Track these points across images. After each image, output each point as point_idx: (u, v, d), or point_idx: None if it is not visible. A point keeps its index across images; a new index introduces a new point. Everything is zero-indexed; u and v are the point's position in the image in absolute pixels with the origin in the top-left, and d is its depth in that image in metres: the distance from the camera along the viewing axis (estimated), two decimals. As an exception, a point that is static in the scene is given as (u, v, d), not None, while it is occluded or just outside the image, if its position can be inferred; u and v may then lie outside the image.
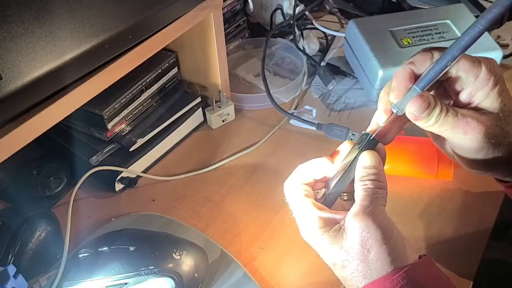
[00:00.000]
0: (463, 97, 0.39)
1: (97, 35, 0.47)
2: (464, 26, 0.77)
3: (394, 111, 0.38)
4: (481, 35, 0.33)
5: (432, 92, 0.41)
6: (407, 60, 0.38)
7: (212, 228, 0.60)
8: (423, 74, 0.37)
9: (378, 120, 0.40)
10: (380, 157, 0.40)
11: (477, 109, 0.38)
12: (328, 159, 0.41)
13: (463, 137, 0.38)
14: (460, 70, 0.37)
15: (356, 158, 0.39)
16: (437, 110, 0.37)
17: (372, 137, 0.39)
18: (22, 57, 0.41)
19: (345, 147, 0.42)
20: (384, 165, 0.40)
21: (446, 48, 0.36)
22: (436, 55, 0.37)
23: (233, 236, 0.59)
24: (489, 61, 0.37)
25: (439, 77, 0.36)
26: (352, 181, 0.40)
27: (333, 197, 0.40)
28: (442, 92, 0.40)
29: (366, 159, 0.39)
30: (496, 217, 0.58)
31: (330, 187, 0.40)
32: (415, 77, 0.37)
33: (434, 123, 0.37)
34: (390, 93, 0.38)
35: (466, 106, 0.39)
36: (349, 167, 0.39)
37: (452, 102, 0.41)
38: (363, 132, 0.40)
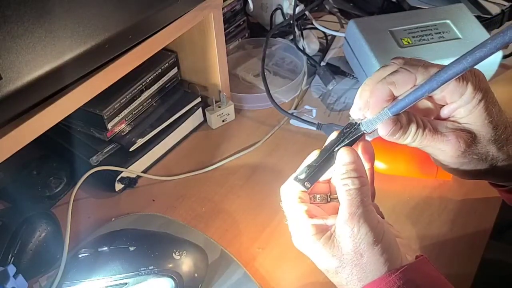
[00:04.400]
0: (444, 112, 0.38)
1: (97, 35, 0.47)
2: (464, 26, 0.77)
3: (362, 128, 0.37)
4: (465, 71, 0.32)
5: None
6: (389, 77, 0.36)
7: (212, 228, 0.60)
8: (399, 97, 0.35)
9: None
10: (367, 152, 0.39)
11: (458, 123, 0.37)
12: (318, 152, 0.40)
13: (444, 153, 0.37)
14: (444, 91, 0.36)
15: (339, 143, 0.38)
16: (413, 129, 0.36)
17: (358, 128, 0.38)
18: (22, 57, 0.41)
19: (333, 137, 0.41)
20: (374, 160, 0.40)
21: (433, 66, 0.35)
22: (420, 78, 0.35)
23: (233, 236, 0.59)
24: (475, 76, 0.35)
25: (413, 104, 0.35)
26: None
27: (313, 179, 0.39)
28: (427, 98, 0.38)
29: (344, 156, 0.37)
30: (496, 217, 0.58)
31: (312, 166, 0.39)
32: (394, 98, 0.36)
33: (412, 142, 0.37)
34: (365, 107, 0.37)
35: (447, 118, 0.38)
36: (332, 152, 0.39)
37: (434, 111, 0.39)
38: (350, 120, 0.39)
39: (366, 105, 0.37)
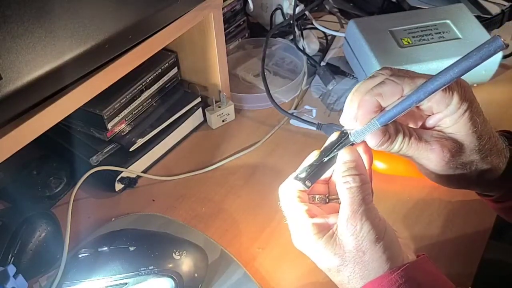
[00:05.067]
0: (430, 122, 0.38)
1: (97, 35, 0.47)
2: (464, 26, 0.77)
3: (351, 139, 0.38)
4: (452, 82, 0.32)
5: None
6: (376, 88, 0.36)
7: (212, 228, 0.60)
8: (387, 108, 0.36)
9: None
10: (367, 152, 0.39)
11: (443, 132, 0.38)
12: (318, 152, 0.41)
13: (429, 162, 0.38)
14: (431, 101, 0.36)
15: (329, 153, 0.39)
16: (400, 138, 0.36)
17: (347, 138, 0.39)
18: (22, 57, 0.41)
19: (333, 138, 0.41)
20: (372, 161, 0.40)
21: (420, 77, 0.35)
22: (406, 89, 0.35)
23: (233, 236, 0.59)
24: (462, 87, 0.36)
25: (401, 115, 0.35)
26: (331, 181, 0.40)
27: (313, 178, 0.40)
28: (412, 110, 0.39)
29: (345, 154, 0.38)
30: (496, 217, 0.58)
31: (313, 165, 0.40)
32: (381, 110, 0.36)
33: (398, 151, 0.37)
34: (353, 119, 0.37)
35: (432, 128, 0.38)
36: (330, 154, 0.39)
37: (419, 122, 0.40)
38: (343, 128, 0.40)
39: (355, 117, 0.37)
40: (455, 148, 0.37)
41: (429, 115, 0.38)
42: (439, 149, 0.37)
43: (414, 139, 0.37)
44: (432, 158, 0.37)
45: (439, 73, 0.33)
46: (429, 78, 0.34)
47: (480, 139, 0.37)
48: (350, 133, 0.38)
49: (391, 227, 0.38)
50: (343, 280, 0.38)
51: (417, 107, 0.37)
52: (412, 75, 0.36)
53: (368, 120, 0.36)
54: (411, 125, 0.39)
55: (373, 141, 0.36)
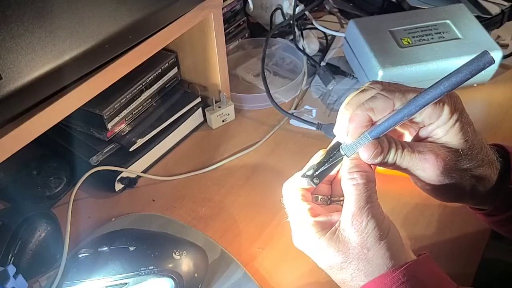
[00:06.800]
0: (423, 133, 0.39)
1: (97, 35, 0.47)
2: (464, 26, 0.77)
3: (342, 153, 0.38)
4: (442, 96, 0.33)
5: None
6: (367, 103, 0.36)
7: (212, 228, 0.60)
8: (378, 122, 0.36)
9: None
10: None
11: (436, 143, 0.38)
12: (324, 151, 0.41)
13: (423, 173, 0.38)
14: (422, 113, 0.36)
15: (330, 157, 0.39)
16: (392, 151, 0.37)
17: (339, 151, 0.39)
18: (22, 57, 0.41)
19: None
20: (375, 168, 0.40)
21: (410, 91, 0.36)
22: (397, 104, 0.36)
23: (233, 236, 0.59)
24: (452, 99, 0.36)
25: (392, 128, 0.36)
26: (335, 181, 0.40)
27: (321, 175, 0.40)
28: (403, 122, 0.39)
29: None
30: (496, 217, 0.58)
31: (321, 163, 0.40)
32: (372, 124, 0.37)
33: (392, 164, 0.37)
34: (346, 133, 0.37)
35: (425, 139, 0.39)
36: (339, 151, 0.39)
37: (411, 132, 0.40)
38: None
39: (346, 131, 0.37)
40: (449, 156, 0.37)
41: (421, 127, 0.38)
42: (433, 159, 0.37)
43: (407, 151, 0.37)
44: (427, 168, 0.37)
45: (430, 87, 0.33)
46: (420, 92, 0.34)
47: (472, 149, 0.38)
48: (341, 147, 0.38)
49: (395, 226, 0.39)
50: (346, 278, 0.38)
51: (410, 119, 0.37)
52: (403, 89, 0.36)
53: (359, 134, 0.36)
54: (403, 138, 0.40)
55: (365, 154, 0.36)
